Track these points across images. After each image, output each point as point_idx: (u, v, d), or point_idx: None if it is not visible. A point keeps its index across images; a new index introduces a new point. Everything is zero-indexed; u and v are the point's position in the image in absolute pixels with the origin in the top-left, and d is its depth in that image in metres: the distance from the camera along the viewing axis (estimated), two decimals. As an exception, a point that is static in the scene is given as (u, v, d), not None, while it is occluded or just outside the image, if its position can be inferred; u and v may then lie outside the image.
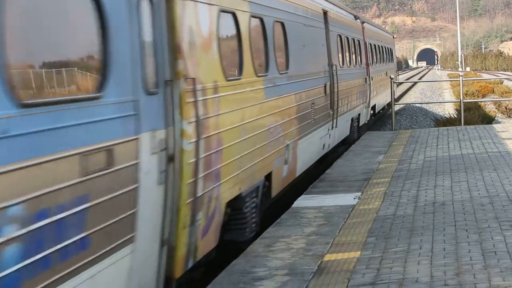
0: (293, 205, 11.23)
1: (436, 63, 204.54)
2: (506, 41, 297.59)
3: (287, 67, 11.93)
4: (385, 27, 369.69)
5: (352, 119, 19.88)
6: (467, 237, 8.56)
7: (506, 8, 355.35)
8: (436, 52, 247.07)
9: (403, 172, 13.69)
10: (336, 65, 16.54)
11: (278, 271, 7.72)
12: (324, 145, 15.26)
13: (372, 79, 24.61)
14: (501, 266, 7.30)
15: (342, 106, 17.40)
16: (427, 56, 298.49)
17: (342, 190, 12.32)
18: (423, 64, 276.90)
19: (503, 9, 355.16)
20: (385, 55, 32.50)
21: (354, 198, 11.44)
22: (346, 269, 7.61)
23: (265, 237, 9.26)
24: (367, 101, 23.46)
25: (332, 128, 16.02)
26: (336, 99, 16.25)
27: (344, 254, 8.20)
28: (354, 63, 20.91)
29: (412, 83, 67.27)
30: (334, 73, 16.19)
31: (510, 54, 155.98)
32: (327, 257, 8.13)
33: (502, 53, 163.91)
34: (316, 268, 7.72)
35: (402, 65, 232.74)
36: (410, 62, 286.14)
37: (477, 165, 13.95)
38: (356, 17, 23.25)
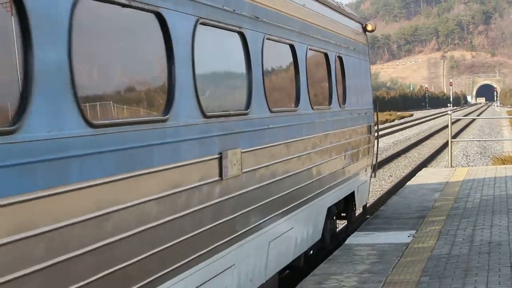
0: (346, 242, 11.14)
1: (495, 99, 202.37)
2: None
3: None
4: (444, 61, 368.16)
5: None
6: (523, 279, 8.40)
7: None
8: (496, 88, 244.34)
9: (459, 211, 13.50)
10: None
11: (329, 309, 7.64)
12: None
13: None
14: (558, 310, 7.14)
15: None
16: (486, 92, 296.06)
17: (396, 227, 12.19)
18: (482, 100, 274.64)
19: None
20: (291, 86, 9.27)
21: (409, 236, 11.31)
22: (398, 309, 7.50)
23: (316, 274, 9.19)
24: None
25: None
26: None
27: (396, 294, 8.09)
28: None
29: (471, 119, 66.53)
30: None
31: None
32: (379, 296, 8.03)
33: None
34: (367, 307, 7.63)
35: (461, 101, 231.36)
36: (469, 98, 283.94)
37: (535, 205, 13.70)
38: None
